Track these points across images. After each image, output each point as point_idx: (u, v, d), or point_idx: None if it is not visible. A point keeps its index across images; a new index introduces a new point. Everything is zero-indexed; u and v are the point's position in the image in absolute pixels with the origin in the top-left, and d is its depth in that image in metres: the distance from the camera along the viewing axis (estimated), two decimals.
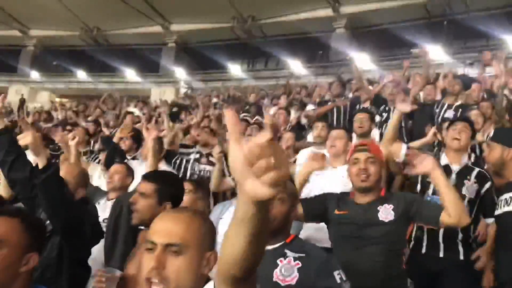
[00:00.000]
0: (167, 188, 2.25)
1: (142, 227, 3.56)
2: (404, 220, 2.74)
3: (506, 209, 2.88)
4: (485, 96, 7.32)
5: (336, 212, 2.78)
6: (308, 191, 3.52)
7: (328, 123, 5.41)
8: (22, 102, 20.45)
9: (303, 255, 1.92)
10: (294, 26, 21.17)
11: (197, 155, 5.84)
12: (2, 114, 2.99)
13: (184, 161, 5.55)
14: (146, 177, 2.32)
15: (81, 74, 25.41)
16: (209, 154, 5.66)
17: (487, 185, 3.60)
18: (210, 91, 19.00)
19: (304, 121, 7.55)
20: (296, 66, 19.96)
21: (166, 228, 1.37)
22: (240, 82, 20.17)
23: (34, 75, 26.17)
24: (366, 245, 2.58)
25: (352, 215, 2.71)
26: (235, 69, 22.10)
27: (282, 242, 1.96)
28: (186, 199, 2.73)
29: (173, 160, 5.40)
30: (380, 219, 2.64)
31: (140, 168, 4.15)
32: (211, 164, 5.49)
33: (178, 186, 2.37)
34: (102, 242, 3.06)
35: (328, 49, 21.44)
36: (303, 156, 4.85)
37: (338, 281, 1.89)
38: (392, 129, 3.72)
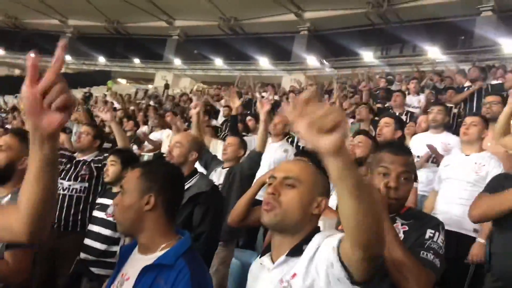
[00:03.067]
0: None
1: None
2: None
3: None
4: None
5: None
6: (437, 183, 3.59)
7: (445, 107, 5.00)
8: (167, 86, 22.33)
9: (411, 221, 1.88)
10: (433, 10, 19.89)
11: None
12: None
13: None
14: None
15: (218, 62, 26.89)
16: None
17: None
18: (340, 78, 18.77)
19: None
20: (434, 52, 18.75)
21: (285, 166, 1.60)
22: (371, 69, 19.55)
23: (177, 62, 28.33)
24: None
25: None
26: (368, 56, 21.52)
27: (394, 214, 1.90)
28: None
29: None
30: None
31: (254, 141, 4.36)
32: None
33: None
34: None
35: (471, 34, 19.80)
36: (417, 140, 4.70)
37: (427, 236, 1.80)
38: (503, 121, 3.34)
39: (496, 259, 2.31)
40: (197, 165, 4.15)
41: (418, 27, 20.75)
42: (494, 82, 7.82)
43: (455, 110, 6.50)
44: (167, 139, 7.35)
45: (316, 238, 1.42)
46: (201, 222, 2.71)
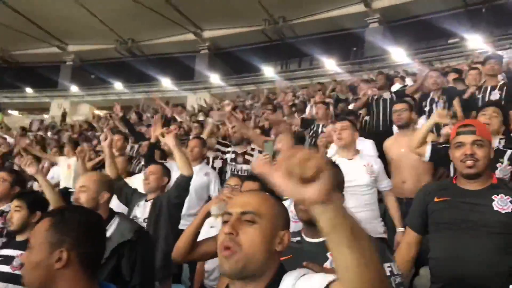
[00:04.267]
0: None
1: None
2: None
3: None
4: None
5: (436, 200, 2.47)
6: None
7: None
8: (64, 115, 21.11)
9: None
10: (326, 24, 20.95)
11: (233, 155, 5.72)
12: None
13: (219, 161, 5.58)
14: None
15: (118, 86, 26.01)
16: (244, 153, 5.56)
17: None
18: (246, 94, 19.01)
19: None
20: (330, 64, 19.68)
21: (242, 199, 1.40)
22: (273, 84, 20.06)
23: (74, 89, 26.96)
24: (474, 233, 2.22)
25: (457, 201, 2.34)
26: (269, 71, 22.04)
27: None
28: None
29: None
30: (496, 209, 2.24)
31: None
32: (248, 163, 5.41)
33: None
34: None
35: (362, 45, 21.12)
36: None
37: (388, 273, 1.73)
38: (424, 133, 3.50)
39: (437, 264, 2.31)
40: (117, 203, 3.77)
41: (314, 40, 21.65)
42: (395, 88, 8.20)
43: (366, 117, 6.71)
44: (66, 169, 6.80)
45: (287, 281, 1.26)
46: (133, 275, 2.38)
